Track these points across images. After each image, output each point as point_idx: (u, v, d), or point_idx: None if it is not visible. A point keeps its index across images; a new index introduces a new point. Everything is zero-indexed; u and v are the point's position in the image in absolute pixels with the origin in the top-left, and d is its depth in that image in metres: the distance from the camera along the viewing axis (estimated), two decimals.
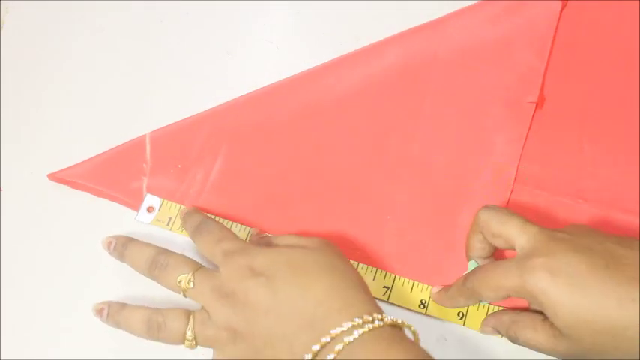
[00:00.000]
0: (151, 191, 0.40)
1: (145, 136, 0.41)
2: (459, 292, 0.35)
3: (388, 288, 0.38)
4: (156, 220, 0.40)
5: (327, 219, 0.40)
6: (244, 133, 0.41)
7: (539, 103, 0.40)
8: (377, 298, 0.38)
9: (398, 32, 0.41)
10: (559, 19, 0.40)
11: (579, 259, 0.30)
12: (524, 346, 0.34)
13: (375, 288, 0.38)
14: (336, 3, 0.42)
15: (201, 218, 0.38)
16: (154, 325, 0.34)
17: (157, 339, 0.35)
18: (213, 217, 0.39)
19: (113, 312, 0.36)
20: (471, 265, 0.37)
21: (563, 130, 0.40)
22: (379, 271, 0.39)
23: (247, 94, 0.41)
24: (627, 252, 0.30)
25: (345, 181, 0.40)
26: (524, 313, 0.34)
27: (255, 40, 0.43)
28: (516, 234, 0.33)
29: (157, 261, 0.36)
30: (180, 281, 0.34)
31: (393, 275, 0.39)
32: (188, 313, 0.34)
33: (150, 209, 0.40)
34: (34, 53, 0.43)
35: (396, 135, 0.40)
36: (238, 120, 0.41)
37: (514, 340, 0.34)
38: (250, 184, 0.40)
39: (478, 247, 0.36)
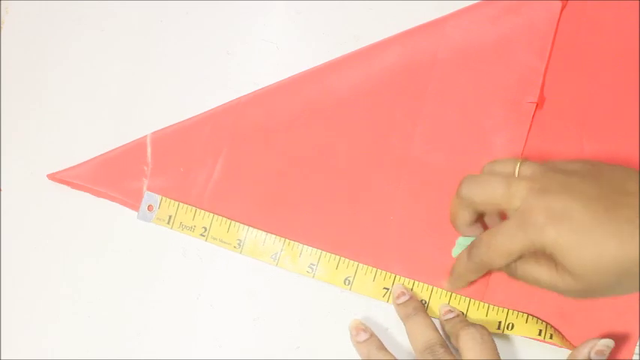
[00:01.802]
0: (151, 191, 0.40)
1: (145, 137, 0.41)
2: (467, 269, 0.35)
3: (388, 289, 0.38)
4: (156, 219, 0.40)
5: (329, 219, 0.40)
6: (245, 133, 0.41)
7: (540, 104, 0.40)
8: (377, 300, 0.39)
9: (398, 32, 0.41)
10: (559, 19, 0.40)
11: (579, 208, 0.31)
12: (522, 279, 0.34)
13: (375, 290, 0.39)
14: (336, 3, 0.42)
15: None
16: None
17: None
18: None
19: (370, 345, 0.37)
20: (461, 241, 0.37)
21: (564, 130, 0.40)
22: (379, 272, 0.39)
23: (248, 94, 0.41)
24: (622, 194, 0.31)
25: (347, 182, 0.40)
26: None
27: (255, 40, 0.43)
28: (505, 201, 0.33)
29: (434, 350, 0.35)
30: None
31: (393, 276, 0.39)
32: None
33: (150, 207, 0.40)
34: (34, 53, 0.43)
35: (397, 135, 0.40)
36: (239, 121, 0.41)
37: (513, 271, 0.34)
38: (252, 185, 0.40)
39: (466, 219, 0.36)
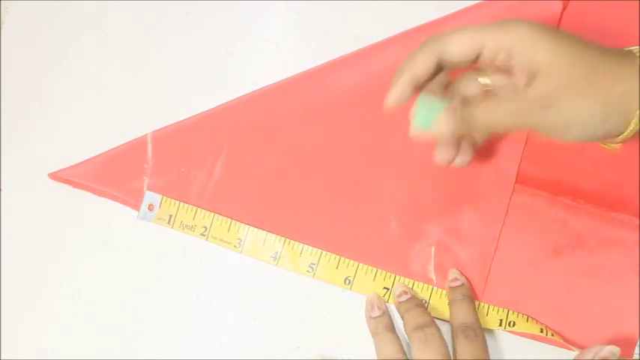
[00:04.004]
0: (152, 190, 0.40)
1: (146, 135, 0.41)
2: (422, 50, 0.32)
3: (389, 289, 0.38)
4: (157, 219, 0.40)
5: (329, 219, 0.40)
6: (245, 133, 0.41)
7: None
8: None
9: (398, 32, 0.41)
10: (560, 19, 0.40)
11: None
12: (485, 126, 0.31)
13: (376, 290, 0.39)
14: (336, 3, 0.42)
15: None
16: None
17: None
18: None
19: (378, 324, 0.37)
20: (422, 102, 0.32)
21: None
22: (379, 272, 0.39)
23: (248, 94, 0.41)
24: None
25: (347, 181, 0.40)
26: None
27: (255, 40, 0.43)
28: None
29: (424, 330, 0.35)
30: None
31: (393, 276, 0.39)
32: None
33: (150, 207, 0.40)
34: (34, 53, 0.43)
35: (397, 135, 0.40)
36: (239, 120, 0.41)
37: (473, 125, 0.31)
38: (252, 184, 0.40)
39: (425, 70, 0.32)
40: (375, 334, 0.37)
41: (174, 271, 0.40)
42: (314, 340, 0.39)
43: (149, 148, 0.41)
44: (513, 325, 0.37)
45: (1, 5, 0.44)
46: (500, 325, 0.37)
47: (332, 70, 0.41)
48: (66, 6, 0.43)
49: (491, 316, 0.38)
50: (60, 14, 0.43)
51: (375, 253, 0.39)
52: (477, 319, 0.37)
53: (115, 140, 0.41)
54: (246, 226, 0.40)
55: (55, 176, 0.41)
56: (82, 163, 0.41)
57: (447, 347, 0.35)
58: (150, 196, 0.40)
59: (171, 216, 0.40)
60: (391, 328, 0.37)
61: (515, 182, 0.39)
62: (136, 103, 0.42)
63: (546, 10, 0.40)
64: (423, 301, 0.38)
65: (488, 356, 0.35)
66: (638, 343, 0.37)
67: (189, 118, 0.41)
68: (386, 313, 0.38)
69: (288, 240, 0.39)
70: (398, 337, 0.37)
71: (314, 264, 0.39)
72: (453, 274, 0.38)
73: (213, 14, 0.43)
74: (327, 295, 0.39)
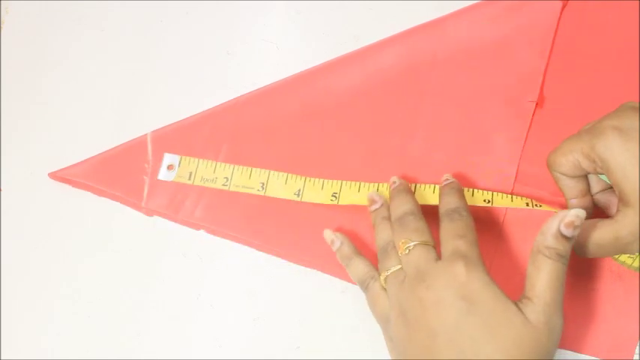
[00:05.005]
0: (152, 190, 0.40)
1: (146, 135, 0.41)
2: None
3: None
4: (177, 177, 0.40)
5: (329, 218, 0.40)
6: (245, 132, 0.41)
7: (540, 103, 0.40)
8: None
9: (398, 32, 0.41)
10: (559, 18, 0.40)
11: None
12: (595, 254, 0.33)
13: None
14: (336, 3, 0.42)
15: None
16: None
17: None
18: None
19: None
20: None
21: (564, 130, 0.39)
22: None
23: (247, 93, 0.41)
24: None
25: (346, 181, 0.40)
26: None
27: (255, 40, 0.43)
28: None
29: (403, 219, 0.35)
30: (404, 242, 0.34)
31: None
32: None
33: (170, 167, 0.40)
34: (34, 53, 0.43)
35: (396, 135, 0.40)
36: (239, 120, 0.41)
37: (584, 250, 0.33)
38: None
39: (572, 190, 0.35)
40: (374, 225, 0.38)
41: (174, 271, 0.40)
42: (314, 340, 0.39)
43: (149, 147, 0.41)
44: (539, 206, 0.37)
45: (1, 5, 0.44)
46: (528, 205, 0.37)
47: (332, 69, 0.41)
48: (66, 6, 0.44)
49: (516, 202, 0.37)
50: (60, 14, 0.43)
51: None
52: (464, 204, 0.36)
53: (115, 140, 0.41)
54: (267, 171, 0.40)
55: (55, 176, 0.41)
56: (82, 162, 0.41)
57: (426, 227, 0.35)
58: (169, 158, 0.41)
59: (191, 173, 0.40)
60: (387, 217, 0.37)
61: (515, 182, 0.39)
62: (136, 103, 0.42)
63: (546, 10, 0.40)
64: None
65: (474, 233, 0.34)
66: (638, 343, 0.37)
67: (188, 117, 0.41)
68: (384, 204, 0.38)
69: (308, 178, 0.40)
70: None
71: (336, 193, 0.39)
72: (445, 176, 0.38)
73: (213, 14, 0.43)
74: (327, 295, 0.39)
